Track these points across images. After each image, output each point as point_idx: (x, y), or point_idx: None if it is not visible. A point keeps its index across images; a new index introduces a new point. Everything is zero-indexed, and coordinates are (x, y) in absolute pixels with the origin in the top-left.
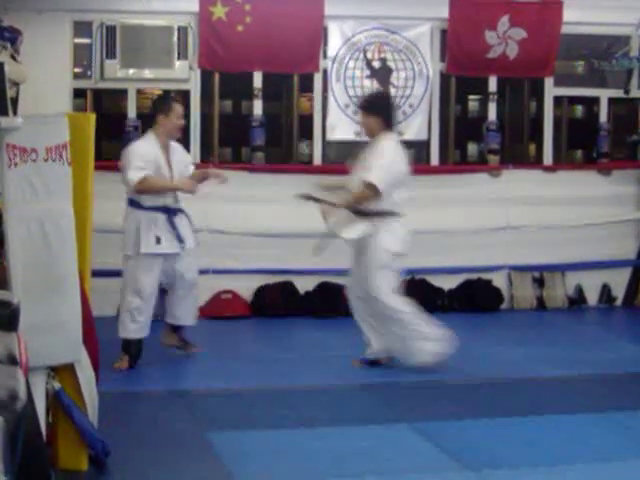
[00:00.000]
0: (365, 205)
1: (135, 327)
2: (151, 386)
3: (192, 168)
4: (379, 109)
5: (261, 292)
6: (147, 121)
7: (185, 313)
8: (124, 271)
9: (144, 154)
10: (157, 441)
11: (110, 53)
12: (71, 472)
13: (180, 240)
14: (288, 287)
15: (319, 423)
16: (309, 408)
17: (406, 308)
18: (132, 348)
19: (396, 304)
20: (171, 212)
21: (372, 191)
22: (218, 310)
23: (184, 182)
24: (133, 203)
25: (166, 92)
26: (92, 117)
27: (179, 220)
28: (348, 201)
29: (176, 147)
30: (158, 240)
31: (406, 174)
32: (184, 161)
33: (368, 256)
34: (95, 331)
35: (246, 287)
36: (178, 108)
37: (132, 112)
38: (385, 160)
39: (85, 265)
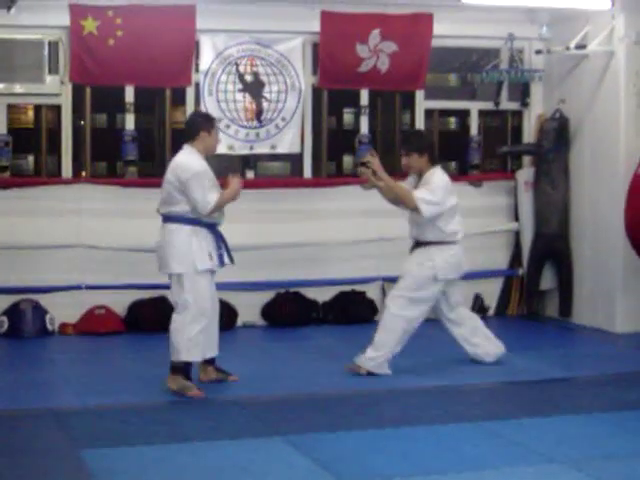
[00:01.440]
0: (420, 235)
1: (201, 348)
2: (23, 405)
3: None
4: (423, 147)
5: (135, 307)
6: (19, 136)
7: (216, 341)
8: (179, 291)
9: (207, 171)
10: (30, 458)
11: None
12: None
13: (222, 258)
14: (162, 302)
15: (193, 438)
16: (183, 423)
17: None
18: (191, 371)
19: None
20: (215, 228)
21: (410, 201)
22: (91, 326)
23: (233, 188)
24: (181, 219)
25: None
26: None
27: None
28: (393, 188)
29: None
30: (210, 256)
31: (456, 205)
32: None
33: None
34: None
35: (120, 302)
36: (217, 127)
37: (2, 127)
38: (433, 187)
39: None
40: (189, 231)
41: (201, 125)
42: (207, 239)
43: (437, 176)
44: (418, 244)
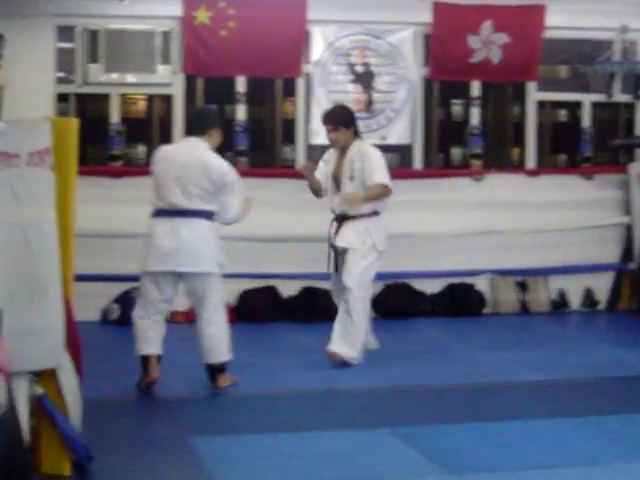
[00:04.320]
0: (355, 209)
1: None
2: (134, 392)
3: None
4: (349, 121)
5: (245, 297)
6: (131, 125)
7: None
8: (211, 290)
9: None
10: (140, 446)
11: (93, 58)
12: (54, 477)
13: None
14: (271, 292)
15: (301, 428)
16: (291, 412)
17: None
18: None
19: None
20: None
21: (385, 190)
22: None
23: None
24: (210, 216)
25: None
26: (75, 122)
27: None
28: (364, 196)
29: None
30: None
31: None
32: None
33: (355, 255)
34: (78, 336)
35: (230, 291)
36: None
37: (115, 117)
38: (380, 163)
39: (67, 270)
40: (214, 229)
41: (214, 121)
42: None
43: (372, 153)
44: (346, 217)
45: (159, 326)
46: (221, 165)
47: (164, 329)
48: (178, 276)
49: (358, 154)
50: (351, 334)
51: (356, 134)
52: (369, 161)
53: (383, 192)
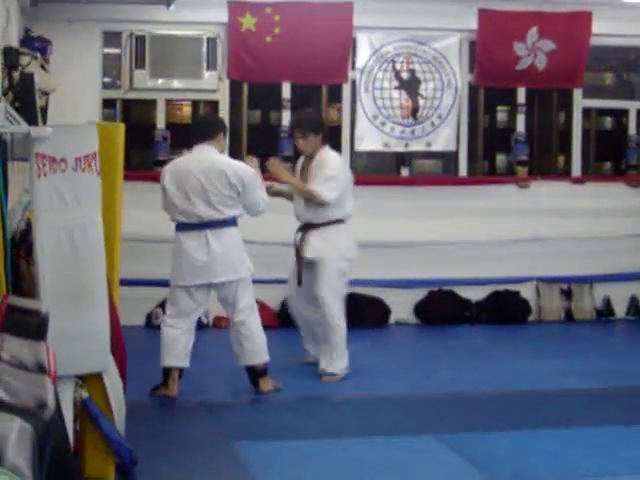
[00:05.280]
0: (319, 216)
1: None
2: (179, 396)
3: None
4: (318, 127)
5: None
6: (176, 131)
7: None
8: (243, 295)
9: None
10: (184, 450)
11: (139, 63)
12: None
13: None
14: None
15: (344, 434)
16: (334, 418)
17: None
18: None
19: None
20: None
21: (313, 198)
22: None
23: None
24: (236, 222)
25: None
26: (121, 127)
27: None
28: (300, 187)
29: None
30: None
31: (351, 183)
32: None
33: (324, 265)
34: (123, 340)
35: (273, 297)
36: None
37: (161, 122)
38: (332, 171)
39: (114, 274)
40: (239, 234)
41: (221, 127)
42: None
43: (331, 159)
44: (312, 226)
45: (187, 336)
46: (236, 168)
47: (193, 338)
48: (210, 285)
49: (320, 162)
50: (336, 348)
51: (324, 141)
52: (322, 169)
53: (311, 197)
